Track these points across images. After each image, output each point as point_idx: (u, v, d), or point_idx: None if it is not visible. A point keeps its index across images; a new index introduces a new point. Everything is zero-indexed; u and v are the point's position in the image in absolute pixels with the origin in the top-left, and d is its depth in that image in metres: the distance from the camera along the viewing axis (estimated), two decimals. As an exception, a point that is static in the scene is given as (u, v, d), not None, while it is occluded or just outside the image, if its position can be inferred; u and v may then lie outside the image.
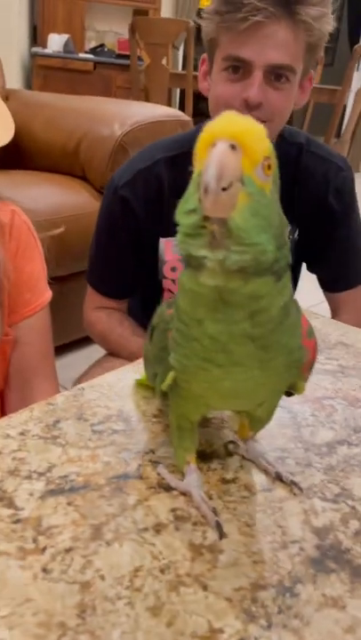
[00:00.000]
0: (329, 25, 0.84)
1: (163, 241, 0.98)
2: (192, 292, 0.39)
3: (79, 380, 1.05)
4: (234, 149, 0.33)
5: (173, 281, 1.01)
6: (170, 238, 0.97)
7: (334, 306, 1.10)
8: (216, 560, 0.42)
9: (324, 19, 0.82)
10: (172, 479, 0.49)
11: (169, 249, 0.98)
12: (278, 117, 0.86)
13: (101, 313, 1.06)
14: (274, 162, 0.36)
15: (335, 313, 1.10)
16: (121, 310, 1.07)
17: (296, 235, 1.03)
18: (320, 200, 0.99)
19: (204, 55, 0.90)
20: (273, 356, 0.40)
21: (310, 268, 1.10)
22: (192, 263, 0.36)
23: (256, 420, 0.51)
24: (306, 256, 1.06)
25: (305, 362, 0.44)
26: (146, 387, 0.63)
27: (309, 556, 0.43)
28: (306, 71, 0.88)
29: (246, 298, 0.37)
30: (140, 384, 0.64)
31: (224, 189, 0.32)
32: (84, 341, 1.70)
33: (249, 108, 0.83)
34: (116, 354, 1.05)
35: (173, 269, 1.00)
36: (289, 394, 0.49)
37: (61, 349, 1.62)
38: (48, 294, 0.86)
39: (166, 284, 1.01)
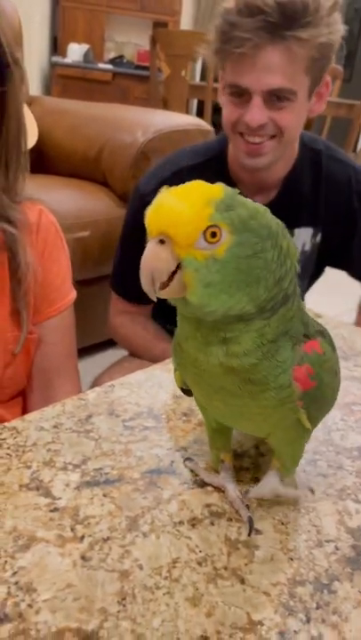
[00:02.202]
0: (332, 34, 0.83)
1: None
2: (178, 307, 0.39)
3: (98, 379, 1.06)
4: (163, 243, 0.35)
5: None
6: None
7: None
8: (252, 555, 0.43)
9: (321, 36, 0.81)
10: (205, 474, 0.50)
11: None
12: (287, 132, 0.88)
13: (125, 317, 1.07)
14: (235, 219, 0.35)
15: None
16: (145, 315, 1.08)
17: (319, 238, 1.05)
18: (344, 202, 1.03)
19: (221, 72, 0.93)
20: (263, 388, 0.39)
21: (337, 267, 1.12)
22: None
23: (276, 453, 0.48)
24: (330, 256, 1.08)
25: (297, 395, 0.40)
26: None
27: (345, 554, 0.44)
28: (317, 81, 0.89)
29: (217, 325, 0.37)
30: None
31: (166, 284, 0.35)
32: (104, 345, 1.71)
33: (252, 129, 0.86)
34: (139, 357, 1.06)
35: None
36: None
37: (81, 352, 1.64)
38: (73, 294, 0.87)
39: None
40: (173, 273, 0.35)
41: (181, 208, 0.35)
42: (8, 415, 0.82)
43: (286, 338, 0.39)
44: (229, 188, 0.37)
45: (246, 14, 0.80)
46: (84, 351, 1.70)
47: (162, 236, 0.35)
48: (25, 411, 0.87)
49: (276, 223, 0.38)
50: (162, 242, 0.35)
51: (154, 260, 0.35)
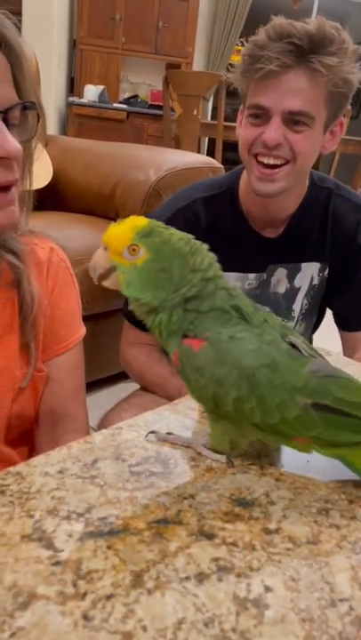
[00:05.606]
0: (353, 74, 0.87)
1: None
2: None
3: (107, 416, 1.05)
4: (105, 249, 0.52)
5: None
6: None
7: (350, 344, 1.11)
8: (262, 615, 0.41)
9: (344, 68, 0.85)
10: (174, 438, 0.60)
11: None
12: (300, 157, 0.90)
13: (139, 350, 1.07)
14: (150, 243, 0.51)
15: (350, 352, 1.11)
16: (159, 348, 1.07)
17: (326, 273, 1.05)
18: (351, 240, 1.03)
19: (242, 106, 0.96)
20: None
21: (334, 305, 1.12)
22: None
23: None
24: (332, 292, 1.08)
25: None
26: None
27: (359, 615, 0.41)
28: (333, 117, 0.91)
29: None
30: None
31: (104, 276, 0.53)
32: (114, 379, 1.70)
33: (269, 148, 0.89)
34: (152, 392, 1.05)
35: None
36: None
37: (91, 386, 1.63)
38: (82, 331, 0.87)
39: None
40: (111, 271, 0.53)
41: (115, 230, 0.52)
42: (16, 456, 0.81)
43: (178, 334, 0.54)
44: (155, 223, 0.52)
45: (275, 39, 0.84)
46: (95, 385, 1.69)
47: (105, 244, 0.52)
48: (33, 449, 0.86)
49: (191, 247, 0.53)
50: (105, 248, 0.52)
51: (95, 257, 0.53)
